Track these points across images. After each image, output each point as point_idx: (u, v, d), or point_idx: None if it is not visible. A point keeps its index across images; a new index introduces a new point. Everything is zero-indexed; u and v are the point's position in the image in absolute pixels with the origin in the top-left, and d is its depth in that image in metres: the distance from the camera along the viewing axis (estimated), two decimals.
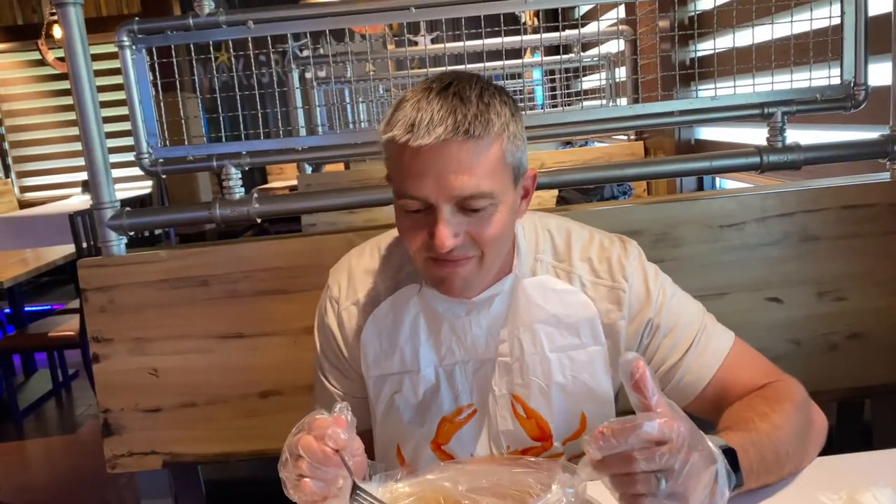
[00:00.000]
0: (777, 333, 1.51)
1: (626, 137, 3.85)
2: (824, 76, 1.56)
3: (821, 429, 1.01)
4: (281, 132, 1.64)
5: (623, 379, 0.74)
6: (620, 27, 3.00)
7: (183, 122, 1.66)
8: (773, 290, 1.51)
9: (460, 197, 0.92)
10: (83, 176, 7.16)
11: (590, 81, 4.36)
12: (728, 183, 2.90)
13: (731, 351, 1.07)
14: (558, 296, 1.06)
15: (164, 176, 1.62)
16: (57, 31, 6.33)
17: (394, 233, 1.16)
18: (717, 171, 1.54)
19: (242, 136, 1.60)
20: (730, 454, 0.82)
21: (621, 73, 3.53)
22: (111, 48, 1.55)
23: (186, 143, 1.71)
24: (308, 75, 3.53)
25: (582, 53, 3.39)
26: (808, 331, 1.53)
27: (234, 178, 1.53)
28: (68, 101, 7.49)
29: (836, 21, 1.54)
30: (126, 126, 1.71)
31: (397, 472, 0.90)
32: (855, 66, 1.53)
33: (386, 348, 1.09)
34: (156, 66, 1.56)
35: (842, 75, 1.54)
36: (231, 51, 1.56)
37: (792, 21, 1.60)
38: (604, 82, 3.65)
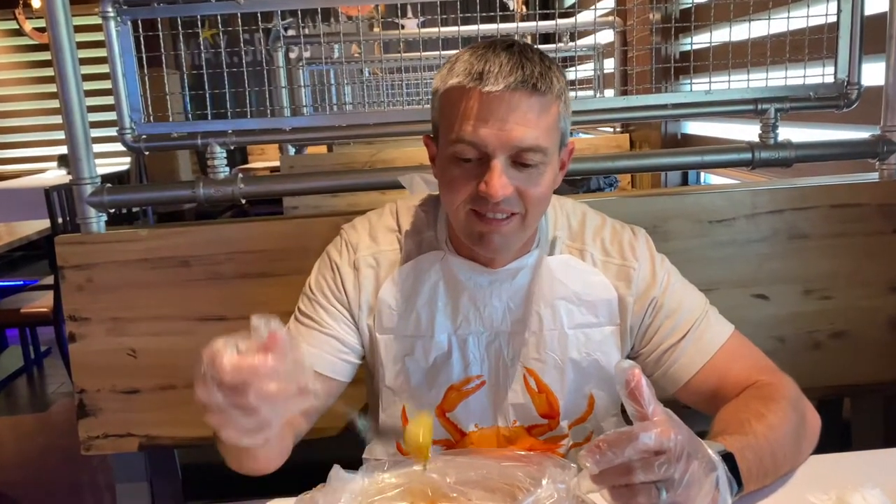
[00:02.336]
0: (762, 330, 1.51)
1: (611, 129, 3.85)
2: (818, 74, 1.56)
3: (814, 427, 1.02)
4: (269, 111, 1.61)
5: (618, 387, 0.72)
6: (610, 18, 2.98)
7: (168, 97, 1.62)
8: (760, 286, 1.51)
9: (519, 147, 0.94)
10: (59, 150, 7.04)
11: (577, 72, 4.34)
12: (712, 179, 2.90)
13: (728, 341, 1.08)
14: (580, 275, 1.09)
15: (146, 153, 1.58)
16: (35, 1, 6.20)
17: (411, 200, 1.17)
18: (708, 165, 1.54)
19: (228, 114, 1.56)
20: (728, 459, 0.81)
21: (609, 64, 3.52)
22: (92, 20, 1.50)
23: (170, 119, 1.67)
24: (292, 55, 3.48)
25: (571, 43, 3.37)
26: (792, 328, 1.53)
27: (219, 156, 1.50)
28: (46, 72, 7.33)
29: (832, 19, 1.53)
30: (104, 100, 1.66)
31: (384, 463, 0.88)
32: (849, 64, 1.53)
33: (402, 310, 1.09)
34: (141, 39, 1.52)
35: (836, 74, 1.54)
36: (220, 25, 1.52)
37: (789, 17, 1.59)
38: (591, 73, 3.64)
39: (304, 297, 1.14)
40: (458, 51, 1.01)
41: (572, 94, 3.22)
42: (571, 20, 3.04)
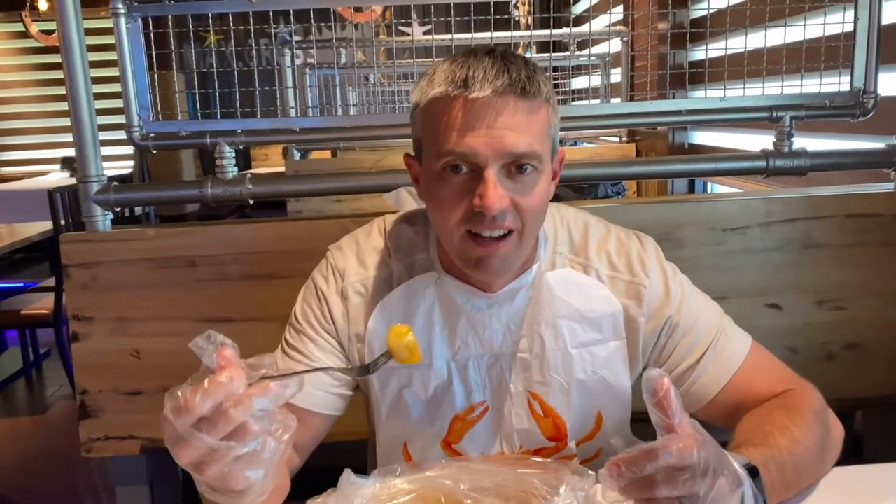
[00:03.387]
0: (775, 340, 1.48)
1: (617, 139, 3.83)
2: (834, 83, 1.55)
3: (837, 439, 0.99)
4: (279, 112, 1.59)
5: (645, 396, 0.69)
6: (620, 27, 2.98)
7: (177, 96, 1.61)
8: (773, 296, 1.50)
9: (513, 154, 0.88)
10: (62, 152, 7.04)
11: (586, 80, 4.33)
12: (719, 189, 2.89)
13: (748, 355, 1.03)
14: (581, 290, 1.02)
15: (154, 151, 1.56)
16: (42, 3, 6.20)
17: (400, 215, 1.11)
18: (722, 172, 1.52)
19: (238, 113, 1.55)
20: (752, 472, 0.78)
21: (616, 73, 3.51)
22: (96, 23, 1.49)
23: (179, 119, 1.66)
24: (298, 61, 3.47)
25: (583, 51, 3.37)
26: (805, 339, 1.51)
27: (228, 156, 1.48)
28: (50, 75, 7.34)
29: (849, 27, 1.52)
30: (107, 104, 1.65)
31: (396, 468, 0.86)
32: (865, 73, 1.51)
33: None
34: (151, 36, 1.50)
35: (852, 82, 1.52)
36: (231, 24, 1.50)
37: (805, 25, 1.58)
38: (598, 82, 3.63)
39: (290, 328, 1.07)
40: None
41: (584, 101, 3.22)
42: (581, 28, 3.04)
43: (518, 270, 1.00)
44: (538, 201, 0.92)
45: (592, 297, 1.02)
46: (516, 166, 0.89)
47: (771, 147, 1.53)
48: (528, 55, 3.89)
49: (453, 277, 1.02)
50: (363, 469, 1.16)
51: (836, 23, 1.53)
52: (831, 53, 1.57)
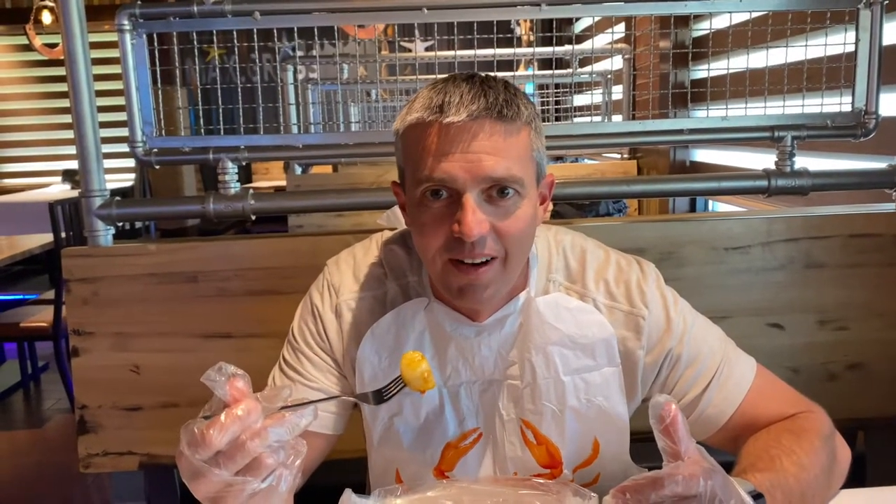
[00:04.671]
0: (776, 360, 1.48)
1: (619, 156, 3.85)
2: (835, 103, 1.55)
3: (844, 464, 0.98)
4: (282, 128, 1.60)
5: (652, 422, 0.68)
6: (622, 45, 3.00)
7: (180, 112, 1.61)
8: (775, 315, 1.49)
9: (491, 178, 0.86)
10: (63, 165, 7.06)
11: (587, 98, 4.35)
12: (721, 207, 2.89)
13: (753, 382, 1.01)
14: (572, 315, 0.99)
15: (157, 167, 1.56)
16: (46, 17, 6.24)
17: (398, 234, 1.10)
18: (724, 192, 1.53)
19: (241, 129, 1.55)
20: (757, 498, 0.77)
21: (618, 91, 3.52)
22: (98, 37, 1.50)
23: (181, 135, 1.66)
24: (300, 76, 3.48)
25: (587, 68, 3.38)
26: (807, 359, 1.51)
27: (231, 172, 1.48)
28: (53, 87, 7.38)
29: (850, 48, 1.53)
30: (108, 116, 1.65)
31: (397, 488, 0.86)
32: (867, 94, 1.52)
33: (385, 366, 1.01)
34: (156, 53, 1.51)
35: (853, 103, 1.53)
36: (236, 40, 1.51)
37: (806, 45, 1.58)
38: (602, 98, 3.65)
39: (288, 346, 1.07)
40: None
41: (586, 118, 3.23)
42: (584, 45, 3.05)
43: (506, 297, 0.98)
44: (521, 226, 0.90)
45: (584, 323, 1.00)
46: (497, 190, 0.88)
47: (773, 166, 1.54)
48: (529, 71, 3.90)
49: (442, 304, 1.00)
50: (363, 486, 1.16)
51: (837, 44, 1.54)
52: (833, 74, 1.58)
